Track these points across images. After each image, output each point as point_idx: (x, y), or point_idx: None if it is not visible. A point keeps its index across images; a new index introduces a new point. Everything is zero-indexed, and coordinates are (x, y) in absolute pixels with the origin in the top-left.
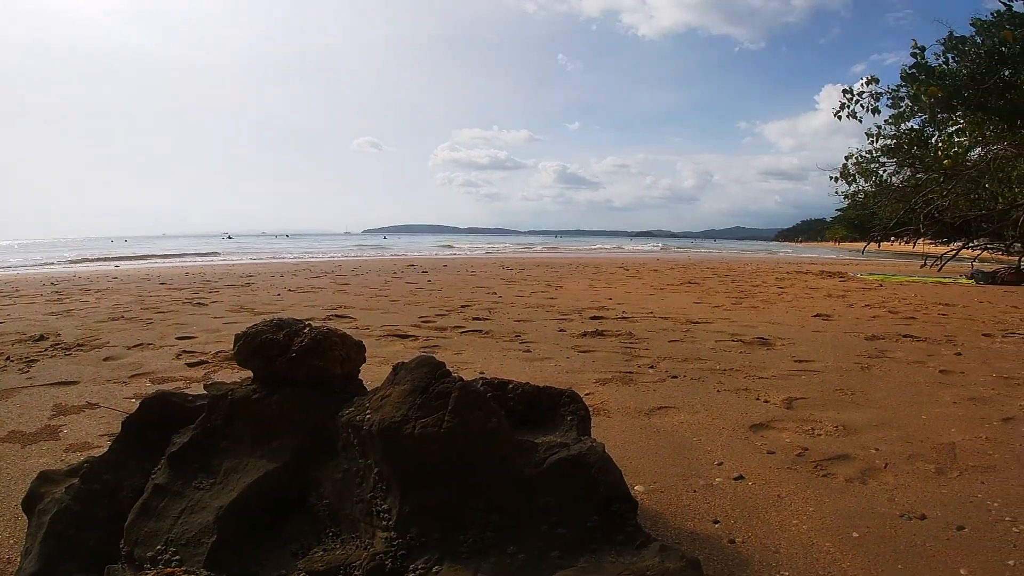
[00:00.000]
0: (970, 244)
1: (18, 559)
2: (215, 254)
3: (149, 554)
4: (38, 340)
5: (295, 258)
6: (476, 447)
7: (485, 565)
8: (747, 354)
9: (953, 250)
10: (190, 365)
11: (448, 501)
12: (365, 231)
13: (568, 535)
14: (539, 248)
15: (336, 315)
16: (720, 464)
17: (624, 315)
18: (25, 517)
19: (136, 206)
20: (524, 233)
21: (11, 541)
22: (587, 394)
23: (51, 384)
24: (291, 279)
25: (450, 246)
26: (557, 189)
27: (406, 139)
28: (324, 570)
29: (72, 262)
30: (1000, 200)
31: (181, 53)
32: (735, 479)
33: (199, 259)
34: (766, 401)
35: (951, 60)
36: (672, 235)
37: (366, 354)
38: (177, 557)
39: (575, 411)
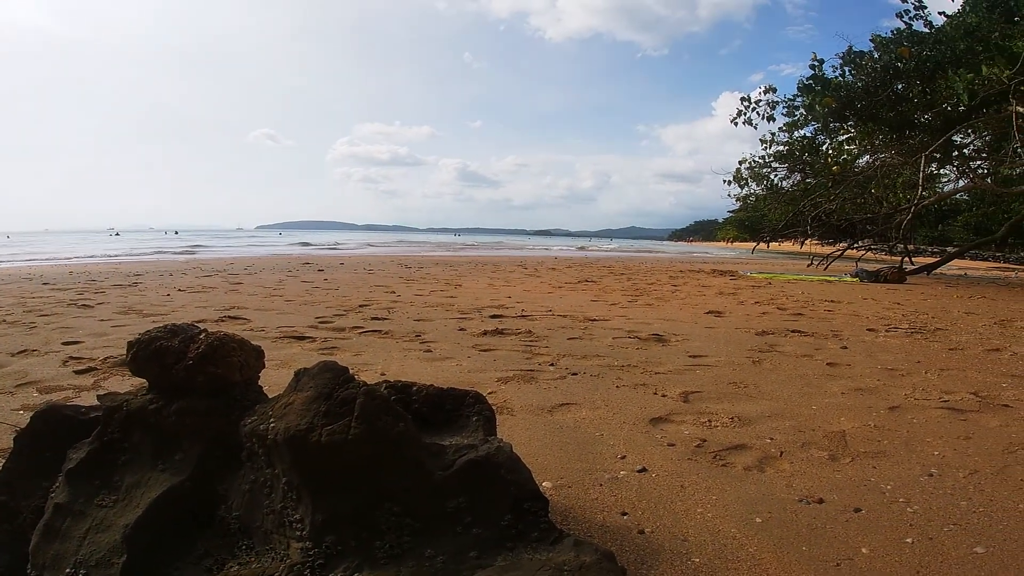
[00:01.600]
0: (855, 245)
1: None
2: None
3: None
4: None
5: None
6: (385, 452)
7: (404, 570)
8: (644, 350)
9: (839, 250)
10: (78, 372)
11: (361, 508)
12: (259, 227)
13: (484, 535)
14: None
15: (229, 316)
16: (623, 457)
17: (523, 313)
18: None
19: (13, 200)
20: (423, 231)
21: None
22: (490, 393)
23: None
24: (181, 278)
25: (371, 244)
26: (457, 187)
27: (305, 132)
28: None
29: None
30: (885, 204)
31: (60, 31)
32: (639, 471)
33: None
34: (664, 395)
35: (848, 73)
36: (569, 234)
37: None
38: None
39: (480, 412)
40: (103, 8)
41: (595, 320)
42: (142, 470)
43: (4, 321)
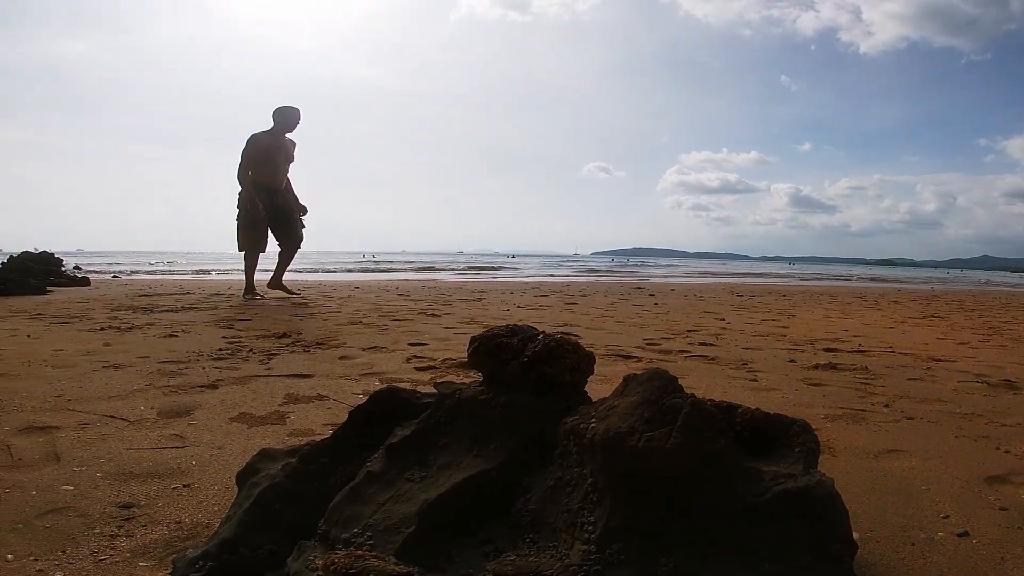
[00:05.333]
0: None
1: (216, 525)
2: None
3: (344, 535)
4: (281, 337)
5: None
6: (699, 467)
7: None
8: (992, 398)
9: None
10: (418, 369)
11: (658, 520)
12: (594, 253)
13: (775, 571)
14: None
15: (562, 332)
16: (946, 517)
17: (860, 348)
18: (236, 489)
19: (379, 224)
20: (755, 259)
21: (215, 508)
22: (814, 430)
23: (287, 375)
24: (520, 296)
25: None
26: (790, 213)
27: (635, 163)
28: (512, 574)
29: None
30: None
31: (412, 86)
32: (958, 535)
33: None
34: (1007, 451)
35: None
36: (914, 263)
37: None
38: (371, 542)
39: (804, 442)
40: (440, 66)
41: (939, 360)
42: (457, 454)
43: (361, 322)
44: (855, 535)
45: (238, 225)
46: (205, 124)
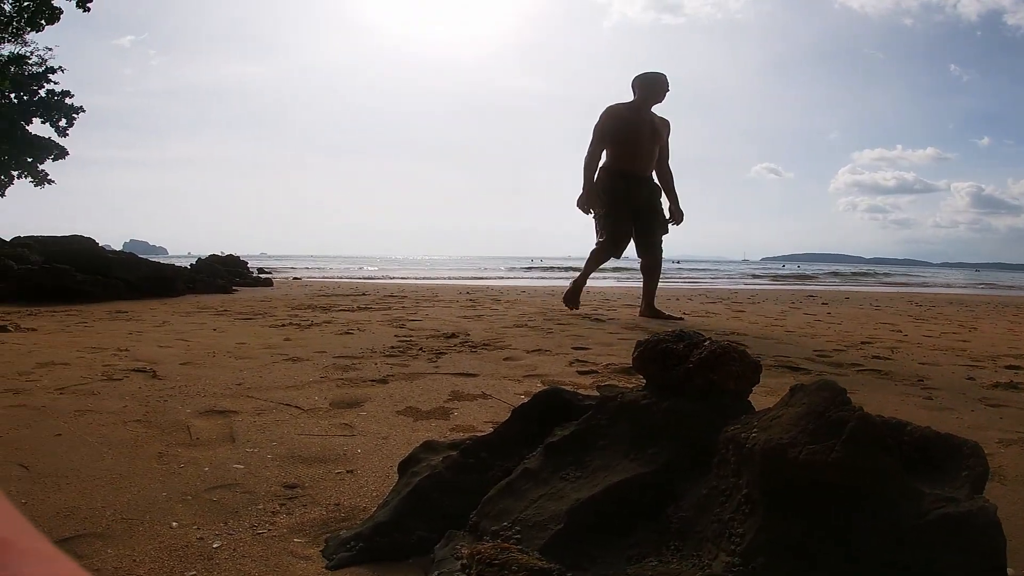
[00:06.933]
0: None
1: (372, 509)
2: None
3: (493, 528)
4: (449, 337)
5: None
6: (861, 484)
7: None
8: None
9: None
10: (580, 373)
11: (808, 536)
12: (764, 259)
13: None
14: None
15: (728, 341)
16: None
17: None
18: (396, 477)
19: (545, 230)
20: (937, 265)
21: (374, 494)
22: (987, 454)
23: (453, 374)
24: (686, 303)
25: None
26: (972, 214)
27: (805, 163)
28: None
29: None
30: None
31: (568, 93)
32: None
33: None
34: None
35: None
36: None
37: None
38: (518, 536)
39: (973, 466)
40: (587, 70)
41: None
42: (613, 457)
43: (526, 325)
44: (1009, 570)
45: (595, 217)
46: (371, 136)
